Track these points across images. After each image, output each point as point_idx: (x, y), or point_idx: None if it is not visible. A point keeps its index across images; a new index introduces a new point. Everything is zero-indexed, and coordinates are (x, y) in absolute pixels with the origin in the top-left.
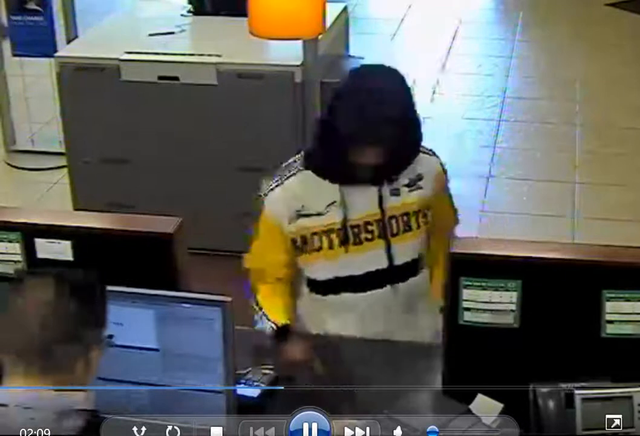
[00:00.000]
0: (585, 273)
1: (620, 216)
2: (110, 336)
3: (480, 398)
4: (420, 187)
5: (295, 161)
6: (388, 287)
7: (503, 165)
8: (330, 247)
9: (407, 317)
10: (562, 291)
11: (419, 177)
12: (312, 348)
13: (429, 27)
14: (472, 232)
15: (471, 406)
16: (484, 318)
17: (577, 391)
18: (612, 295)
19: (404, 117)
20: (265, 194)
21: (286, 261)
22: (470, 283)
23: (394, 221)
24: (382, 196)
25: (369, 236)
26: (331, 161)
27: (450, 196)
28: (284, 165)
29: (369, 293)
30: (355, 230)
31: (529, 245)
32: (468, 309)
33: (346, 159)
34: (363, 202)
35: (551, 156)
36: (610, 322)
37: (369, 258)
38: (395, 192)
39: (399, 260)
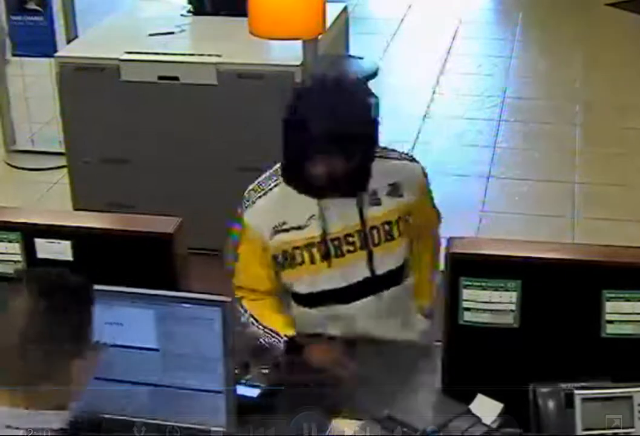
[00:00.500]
0: (585, 273)
1: (620, 216)
2: (104, 344)
3: (480, 398)
4: (401, 195)
5: (274, 173)
6: (372, 297)
7: (503, 165)
8: (312, 262)
9: (395, 322)
10: (562, 291)
11: (399, 185)
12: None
13: (429, 27)
14: (472, 232)
15: (471, 406)
16: (484, 318)
17: (577, 391)
18: (612, 295)
19: (371, 121)
20: (247, 208)
21: (268, 275)
22: (470, 283)
23: (375, 231)
24: (362, 206)
25: (351, 248)
26: (301, 173)
27: (431, 198)
28: (263, 176)
29: (352, 303)
30: (336, 243)
31: (529, 245)
32: (468, 309)
33: (310, 168)
34: (343, 214)
35: (551, 156)
36: (610, 322)
37: (351, 270)
38: (376, 202)
39: (381, 269)
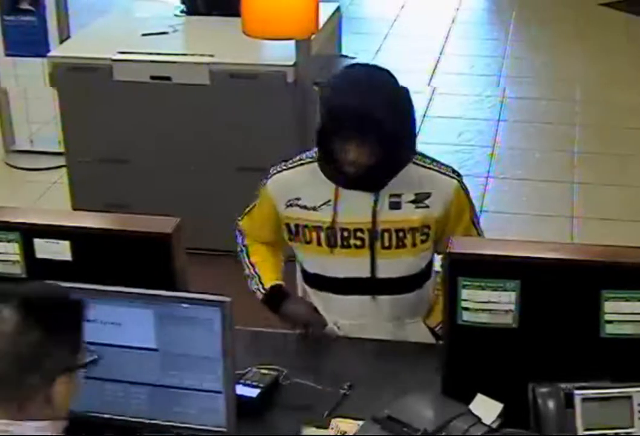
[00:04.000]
0: (585, 273)
1: (620, 216)
2: (92, 362)
3: (480, 398)
4: (427, 206)
5: (304, 156)
6: (368, 296)
7: (503, 165)
8: (319, 244)
9: (389, 326)
10: (561, 291)
11: (427, 195)
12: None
13: (422, 27)
14: None
15: (471, 406)
16: (483, 318)
17: (576, 391)
18: (612, 295)
19: (392, 116)
20: (272, 174)
21: (274, 239)
22: (469, 283)
23: (386, 234)
24: (376, 205)
25: (358, 243)
26: (325, 158)
27: (473, 219)
28: (303, 154)
29: (348, 297)
30: (345, 234)
31: (529, 245)
32: (467, 309)
33: (332, 156)
34: (356, 208)
35: (551, 156)
36: (610, 322)
37: (352, 264)
38: (396, 206)
39: (383, 273)
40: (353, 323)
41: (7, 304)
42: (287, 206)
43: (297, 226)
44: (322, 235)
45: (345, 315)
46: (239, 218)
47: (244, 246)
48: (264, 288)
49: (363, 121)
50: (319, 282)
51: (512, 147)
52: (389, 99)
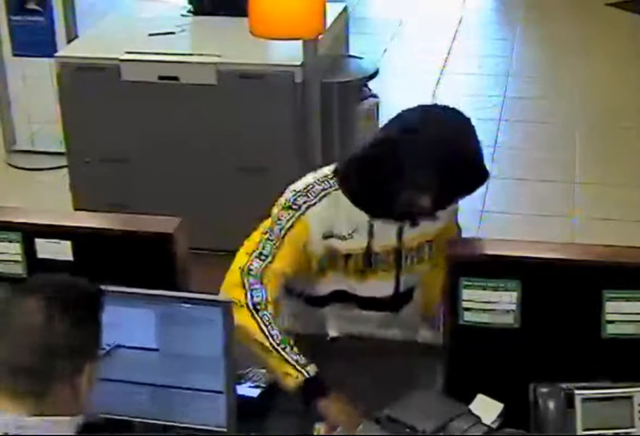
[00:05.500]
0: (586, 273)
1: (620, 216)
2: (108, 352)
3: (480, 398)
4: (437, 217)
5: (327, 177)
6: (388, 312)
7: (503, 165)
8: (345, 271)
9: (403, 333)
10: (562, 291)
11: None
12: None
13: (429, 27)
14: (472, 232)
15: (471, 406)
16: (484, 318)
17: (577, 391)
18: (612, 295)
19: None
20: (305, 208)
21: (287, 275)
22: (470, 283)
23: (409, 252)
24: (402, 227)
25: (385, 266)
26: (375, 197)
27: (456, 215)
28: (311, 180)
29: (366, 312)
30: (377, 258)
31: (529, 245)
32: (468, 309)
33: (393, 200)
34: (386, 232)
35: (551, 156)
36: (611, 322)
37: (378, 286)
38: (415, 224)
39: (403, 288)
40: (365, 332)
41: (31, 297)
42: (324, 239)
43: (324, 256)
44: (351, 262)
45: (356, 326)
46: (259, 269)
47: (270, 314)
48: (306, 371)
49: (455, 186)
50: (336, 297)
51: (512, 147)
52: (477, 140)
